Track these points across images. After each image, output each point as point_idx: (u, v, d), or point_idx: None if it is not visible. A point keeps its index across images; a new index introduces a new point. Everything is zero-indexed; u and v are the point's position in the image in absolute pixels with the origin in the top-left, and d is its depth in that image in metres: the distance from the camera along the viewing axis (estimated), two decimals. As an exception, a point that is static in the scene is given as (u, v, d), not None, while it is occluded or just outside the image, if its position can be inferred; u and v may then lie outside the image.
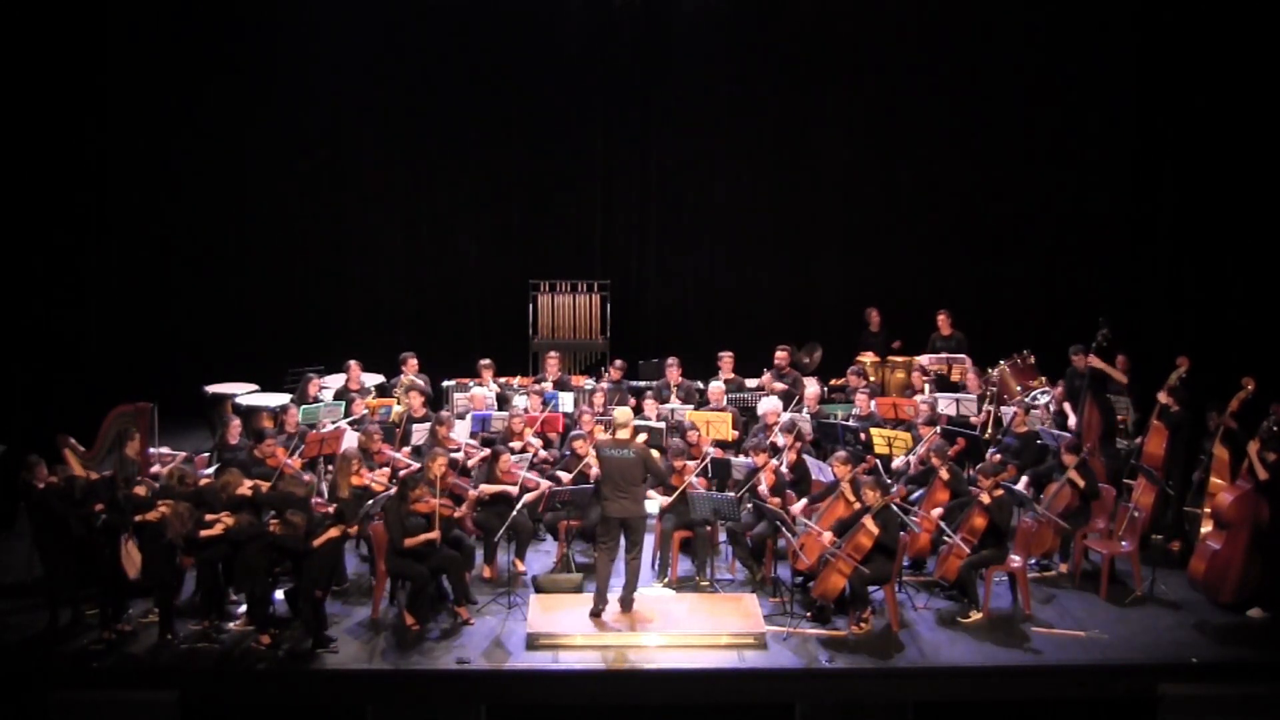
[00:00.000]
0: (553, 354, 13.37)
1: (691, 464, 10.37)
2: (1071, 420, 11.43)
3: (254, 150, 15.20)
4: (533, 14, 15.16)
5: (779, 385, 12.54)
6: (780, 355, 12.86)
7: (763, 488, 10.11)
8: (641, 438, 10.06)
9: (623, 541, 9.40)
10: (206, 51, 14.76)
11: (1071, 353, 11.66)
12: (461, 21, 15.08)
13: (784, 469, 10.45)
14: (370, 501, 9.76)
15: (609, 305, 14.99)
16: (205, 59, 14.78)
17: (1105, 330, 11.45)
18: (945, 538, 9.68)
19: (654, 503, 10.12)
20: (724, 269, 15.81)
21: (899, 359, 13.79)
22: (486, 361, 12.82)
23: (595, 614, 9.27)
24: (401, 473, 10.16)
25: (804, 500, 10.17)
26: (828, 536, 9.39)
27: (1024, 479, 10.55)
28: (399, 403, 12.23)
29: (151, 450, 10.74)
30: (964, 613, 9.54)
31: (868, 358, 13.65)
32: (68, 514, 9.21)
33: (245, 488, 9.44)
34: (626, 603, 9.33)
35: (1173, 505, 10.93)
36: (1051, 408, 11.74)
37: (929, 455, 10.35)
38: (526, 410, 11.73)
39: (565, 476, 10.59)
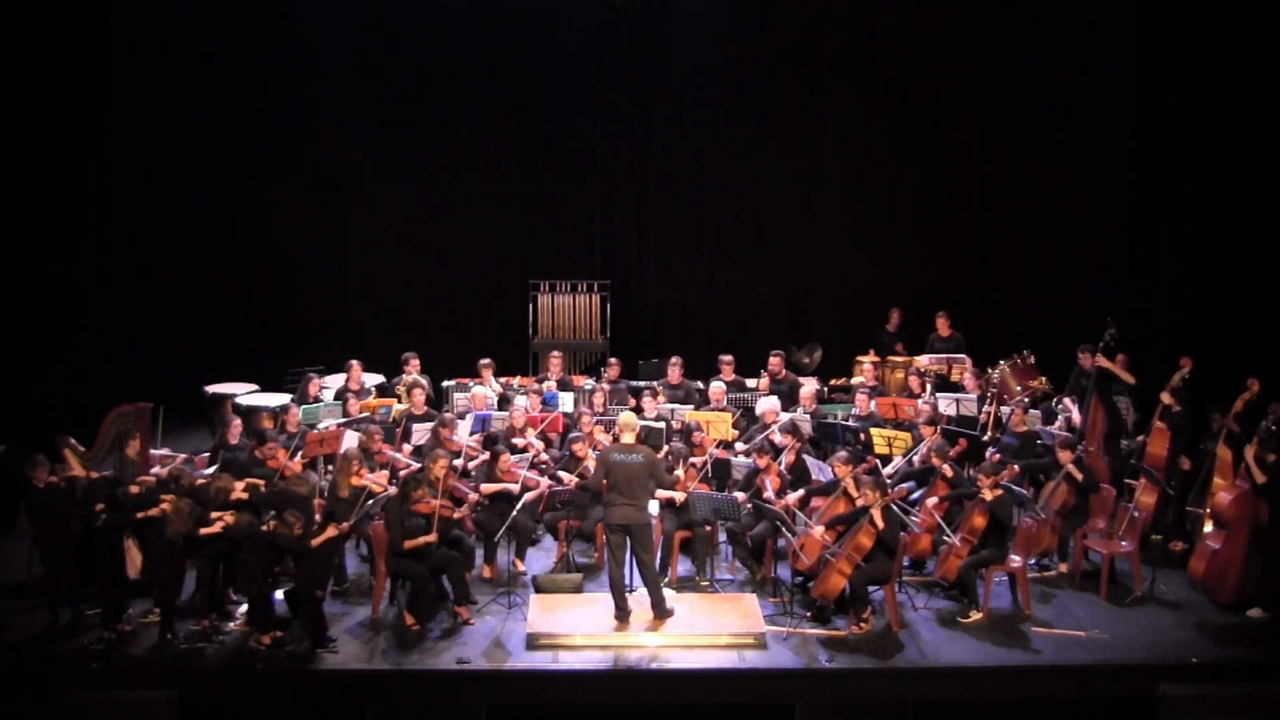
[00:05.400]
0: (555, 353, 13.36)
1: (697, 463, 10.37)
2: (1075, 418, 11.42)
3: (254, 150, 15.22)
4: (532, 14, 15.17)
5: (777, 402, 12.28)
6: (774, 362, 12.74)
7: (769, 493, 10.09)
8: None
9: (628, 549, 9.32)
10: (207, 51, 14.80)
11: (1079, 351, 11.67)
12: (461, 21, 15.09)
13: (783, 468, 10.44)
14: (371, 501, 9.76)
15: (609, 305, 14.99)
16: (205, 59, 14.81)
17: (1113, 330, 11.47)
18: (945, 538, 9.68)
19: (654, 503, 10.09)
20: (724, 269, 15.80)
21: (899, 359, 13.79)
22: (486, 361, 12.82)
23: (622, 620, 9.22)
24: (402, 473, 10.16)
25: (801, 490, 10.15)
26: (819, 531, 9.37)
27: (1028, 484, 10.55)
28: (400, 400, 12.25)
29: (152, 450, 10.75)
30: (964, 613, 9.54)
31: (866, 359, 13.63)
32: (70, 514, 9.21)
33: (240, 491, 9.45)
34: (659, 609, 9.24)
35: (1173, 505, 10.94)
36: (1069, 420, 11.64)
37: (930, 455, 10.35)
38: (527, 410, 11.73)
39: (567, 477, 10.58)
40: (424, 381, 12.33)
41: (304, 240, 15.55)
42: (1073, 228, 15.26)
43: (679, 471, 10.19)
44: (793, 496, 10.06)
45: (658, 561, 10.16)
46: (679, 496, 10.05)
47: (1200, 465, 10.72)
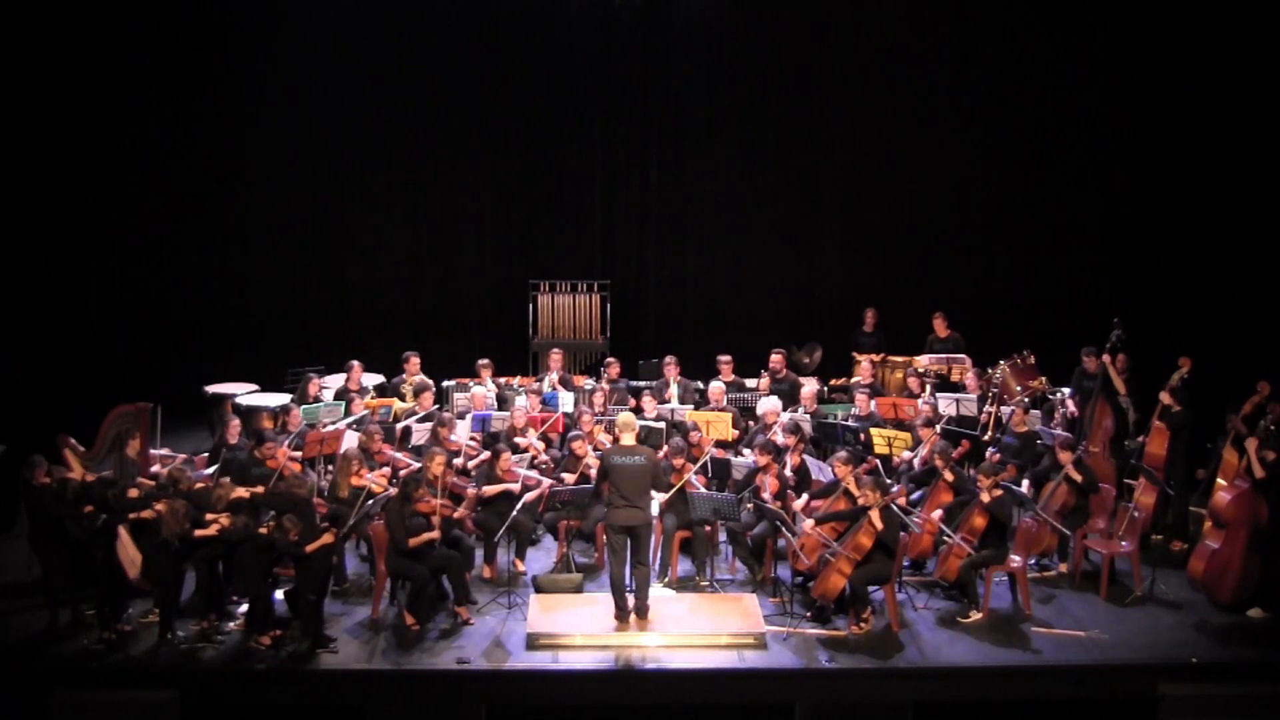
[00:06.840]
0: (556, 350, 13.35)
1: (692, 464, 10.36)
2: (1071, 409, 11.40)
3: (254, 150, 15.21)
4: (533, 13, 15.17)
5: (778, 402, 12.29)
6: (775, 359, 12.76)
7: (766, 494, 10.08)
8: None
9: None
10: (207, 51, 14.79)
11: (1083, 354, 11.67)
12: (461, 21, 15.09)
13: (788, 471, 10.43)
14: (371, 501, 9.77)
15: (609, 305, 14.99)
16: (205, 58, 14.81)
17: (1119, 331, 11.47)
18: (945, 538, 9.68)
19: (654, 503, 10.08)
20: (724, 269, 15.79)
21: (899, 359, 13.79)
22: (485, 361, 12.84)
23: (622, 620, 9.23)
24: (402, 473, 10.16)
25: (805, 496, 10.15)
26: (810, 524, 9.35)
27: (1025, 482, 10.53)
28: (402, 400, 12.24)
29: (152, 450, 10.75)
30: (964, 613, 9.54)
31: (864, 358, 13.62)
32: (61, 514, 9.21)
33: (238, 496, 9.43)
34: (642, 610, 9.26)
35: (1174, 505, 10.93)
36: (1066, 414, 11.65)
37: (932, 457, 10.34)
38: (527, 410, 11.72)
39: (569, 478, 10.58)
40: (430, 383, 12.34)
41: (304, 240, 15.53)
42: (1073, 227, 15.25)
43: (676, 462, 10.19)
44: (799, 503, 10.04)
45: (658, 562, 10.19)
46: (662, 498, 10.02)
47: (1209, 467, 10.70)
